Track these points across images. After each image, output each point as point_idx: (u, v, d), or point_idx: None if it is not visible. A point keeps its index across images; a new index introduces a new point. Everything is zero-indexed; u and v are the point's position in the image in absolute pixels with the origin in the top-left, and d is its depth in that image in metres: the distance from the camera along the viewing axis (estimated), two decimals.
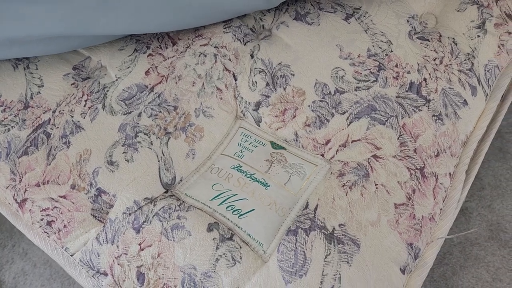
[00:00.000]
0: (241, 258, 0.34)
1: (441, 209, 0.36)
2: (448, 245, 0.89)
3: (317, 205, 0.36)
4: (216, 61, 0.45)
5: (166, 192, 0.40)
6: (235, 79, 0.44)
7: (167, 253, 0.35)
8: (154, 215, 0.37)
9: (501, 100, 0.45)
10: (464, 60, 0.42)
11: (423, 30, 0.44)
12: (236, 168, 0.39)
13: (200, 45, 0.47)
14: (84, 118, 0.44)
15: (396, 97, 0.39)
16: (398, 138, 0.37)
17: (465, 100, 0.40)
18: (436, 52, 0.42)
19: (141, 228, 0.37)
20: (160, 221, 0.37)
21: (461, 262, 0.87)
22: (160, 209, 0.38)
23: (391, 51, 0.42)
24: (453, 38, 0.43)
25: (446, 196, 0.36)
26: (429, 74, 0.40)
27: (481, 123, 0.40)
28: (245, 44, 0.47)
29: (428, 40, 0.43)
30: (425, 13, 0.46)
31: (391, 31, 0.44)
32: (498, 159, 0.97)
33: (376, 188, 0.35)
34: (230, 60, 0.46)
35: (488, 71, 0.42)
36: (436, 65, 0.41)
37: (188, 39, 0.48)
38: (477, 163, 0.41)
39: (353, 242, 0.33)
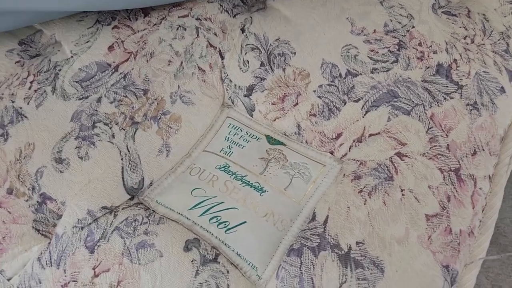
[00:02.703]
0: (228, 287, 0.26)
1: (480, 221, 0.29)
2: None
3: (327, 217, 0.28)
4: (198, 35, 0.37)
5: (132, 199, 0.31)
6: (222, 58, 0.36)
7: (130, 280, 0.27)
8: (114, 230, 0.28)
9: None
10: (499, 39, 0.35)
11: (448, 4, 0.37)
12: (223, 169, 0.31)
13: (179, 17, 0.38)
14: (28, 103, 0.35)
15: (422, 81, 0.32)
16: (426, 132, 0.30)
17: (502, 86, 0.33)
18: (466, 30, 0.35)
19: (96, 247, 0.28)
20: (121, 238, 0.28)
21: None
22: (123, 221, 0.29)
23: (413, 26, 0.35)
24: (484, 14, 0.36)
25: (485, 205, 0.29)
26: (460, 55, 0.33)
27: None
28: (234, 17, 0.39)
29: (455, 15, 0.36)
30: None
31: (412, 4, 0.36)
32: None
33: (403, 194, 0.28)
34: (215, 34, 0.37)
35: None
36: (467, 44, 0.34)
37: (164, 9, 0.39)
38: (510, 163, 0.34)
39: (375, 265, 0.26)
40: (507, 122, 0.33)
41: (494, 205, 0.29)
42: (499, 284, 0.79)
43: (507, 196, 0.87)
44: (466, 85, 0.32)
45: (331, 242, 0.27)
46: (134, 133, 0.32)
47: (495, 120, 0.32)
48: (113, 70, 0.35)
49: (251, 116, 0.34)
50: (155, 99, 0.34)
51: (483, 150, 0.30)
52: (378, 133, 0.30)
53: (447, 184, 0.28)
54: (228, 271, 0.27)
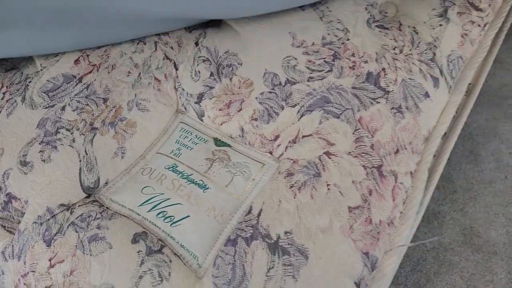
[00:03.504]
0: (169, 275, 0.29)
1: (401, 212, 0.32)
2: (421, 251, 0.86)
3: (261, 210, 0.31)
4: (156, 49, 0.40)
5: (88, 197, 0.34)
6: (176, 69, 0.39)
7: (82, 270, 0.29)
8: (69, 225, 0.31)
9: (467, 94, 0.42)
10: (426, 49, 0.38)
11: (383, 18, 0.41)
12: (171, 168, 0.34)
13: None
14: (0, 112, 0.38)
15: (352, 88, 0.35)
16: (353, 133, 0.33)
17: (426, 92, 0.36)
18: (396, 41, 0.39)
19: (52, 241, 0.31)
20: (76, 232, 0.31)
21: (435, 268, 0.84)
22: (78, 217, 0.32)
23: (348, 39, 0.38)
24: (414, 27, 0.40)
25: (406, 198, 0.32)
26: (388, 64, 0.37)
27: (444, 118, 0.37)
28: (190, 32, 0.42)
29: (387, 28, 0.40)
30: (385, 2, 0.43)
31: (348, 19, 0.40)
32: (469, 162, 0.96)
33: (328, 189, 0.31)
34: (172, 48, 0.41)
35: (451, 62, 0.39)
36: (396, 54, 0.38)
37: None
38: (441, 162, 0.38)
39: (300, 252, 0.29)
40: (431, 123, 0.36)
41: (414, 198, 0.32)
42: (474, 284, 0.81)
43: (481, 197, 0.90)
44: (393, 91, 0.36)
45: (262, 232, 0.30)
46: (93, 138, 0.35)
47: (419, 122, 0.35)
48: (78, 81, 0.39)
49: (201, 121, 0.37)
50: (114, 107, 0.37)
51: (406, 148, 0.33)
52: (310, 135, 0.34)
53: (369, 179, 0.31)
54: (171, 261, 0.30)
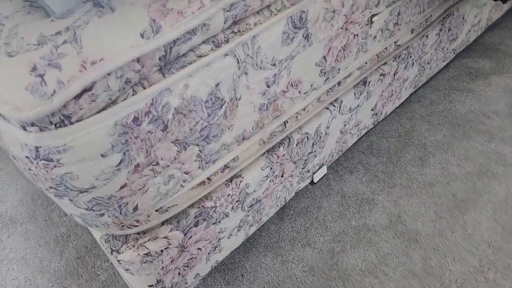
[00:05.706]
0: None
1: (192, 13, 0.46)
2: (345, 226, 0.88)
3: None
4: None
5: None
6: None
7: None
8: None
9: None
10: None
11: None
12: None
13: None
14: None
15: None
16: None
17: None
18: None
19: None
20: None
21: (353, 242, 0.85)
22: None
23: None
24: None
25: None
26: None
27: None
28: None
29: None
30: None
31: None
32: (416, 166, 1.00)
33: None
34: None
35: None
36: None
37: None
38: None
39: (111, 8, 0.44)
40: None
41: None
42: (386, 262, 0.81)
43: (417, 195, 0.91)
44: None
45: None
46: None
47: None
48: None
49: None
50: None
51: None
52: None
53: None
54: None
